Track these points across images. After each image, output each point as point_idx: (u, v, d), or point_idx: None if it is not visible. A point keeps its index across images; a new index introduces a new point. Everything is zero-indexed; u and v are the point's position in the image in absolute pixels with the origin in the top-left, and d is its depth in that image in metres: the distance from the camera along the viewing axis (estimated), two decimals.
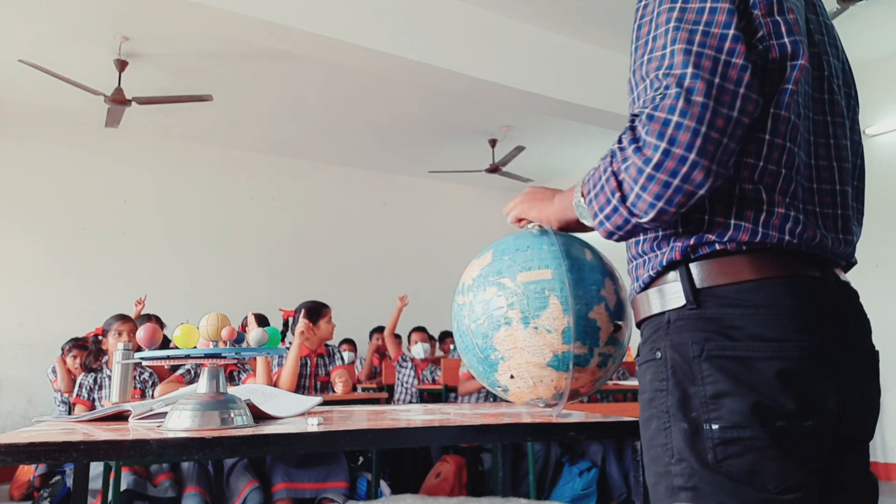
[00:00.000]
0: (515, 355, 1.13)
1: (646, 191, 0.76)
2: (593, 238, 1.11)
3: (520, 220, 1.16)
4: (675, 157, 0.74)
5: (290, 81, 5.12)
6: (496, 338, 1.14)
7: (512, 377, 1.15)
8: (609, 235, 0.84)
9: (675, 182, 0.74)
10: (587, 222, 0.89)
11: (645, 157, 0.75)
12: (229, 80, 5.03)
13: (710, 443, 0.76)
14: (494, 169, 6.27)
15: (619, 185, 0.79)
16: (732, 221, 0.80)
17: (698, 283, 0.81)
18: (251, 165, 6.74)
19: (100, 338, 3.14)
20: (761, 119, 0.79)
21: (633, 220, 0.79)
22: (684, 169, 0.74)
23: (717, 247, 0.80)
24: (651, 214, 0.77)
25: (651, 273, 0.86)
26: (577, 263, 1.15)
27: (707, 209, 0.81)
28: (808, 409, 0.76)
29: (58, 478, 3.48)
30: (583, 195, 0.87)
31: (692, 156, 0.73)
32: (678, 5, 0.79)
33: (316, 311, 3.26)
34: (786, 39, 0.80)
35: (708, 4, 0.78)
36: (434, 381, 4.90)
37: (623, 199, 0.79)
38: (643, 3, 0.85)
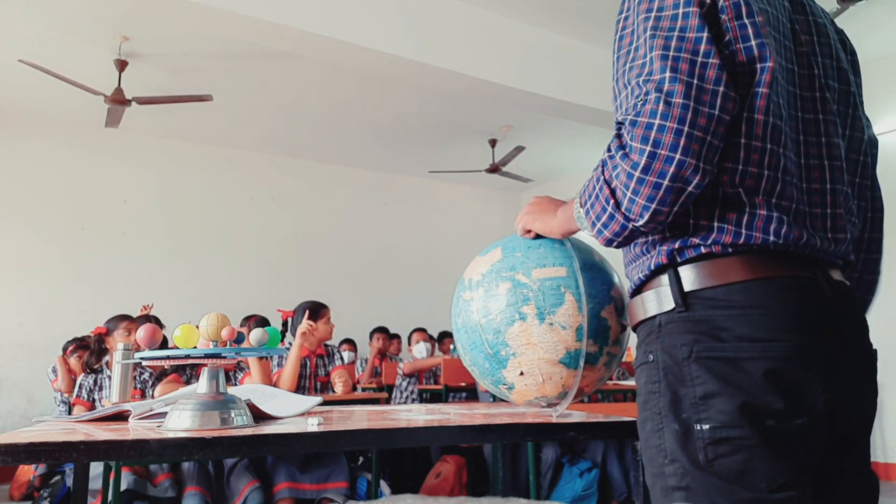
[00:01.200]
0: (528, 351, 1.13)
1: (638, 194, 0.77)
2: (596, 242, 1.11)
3: (528, 232, 1.17)
4: (662, 158, 0.75)
5: (290, 81, 5.12)
6: (509, 333, 1.14)
7: (522, 374, 1.15)
8: (608, 243, 0.85)
9: (665, 182, 0.76)
10: (587, 232, 0.91)
11: (632, 161, 0.77)
12: (229, 80, 5.03)
13: (701, 443, 0.77)
14: (494, 169, 6.27)
15: (612, 192, 0.80)
16: (716, 224, 0.81)
17: (687, 286, 0.82)
18: (251, 165, 6.74)
19: (103, 337, 3.14)
20: (735, 124, 0.80)
21: (630, 225, 0.80)
22: (671, 169, 0.75)
23: (703, 249, 0.81)
24: (646, 217, 0.78)
25: (641, 276, 0.88)
26: (589, 263, 1.17)
27: (691, 213, 0.82)
28: (797, 408, 0.76)
29: (58, 478, 3.48)
30: (581, 205, 0.88)
31: (678, 155, 0.75)
32: (653, 14, 0.81)
33: (314, 311, 3.26)
34: (752, 42, 0.81)
35: (680, 10, 0.80)
36: (435, 382, 4.90)
37: (617, 205, 0.80)
38: (623, 15, 0.88)
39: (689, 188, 0.76)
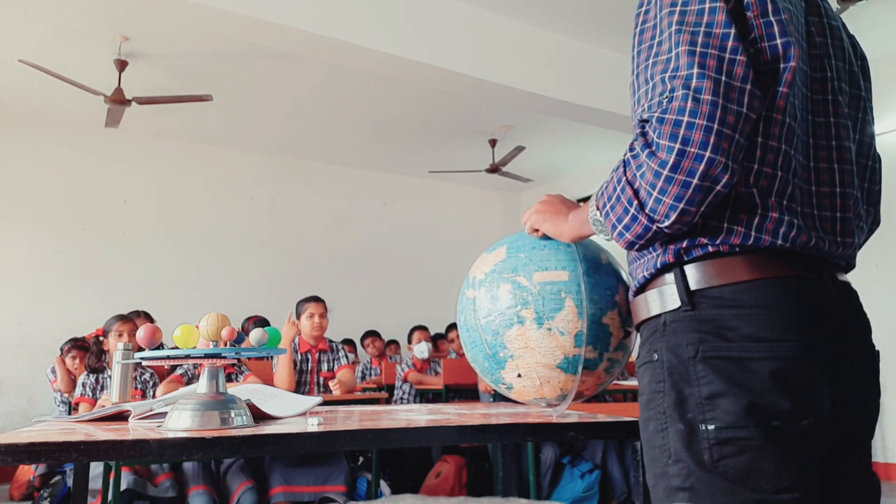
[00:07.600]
0: (525, 355, 1.12)
1: (665, 194, 0.76)
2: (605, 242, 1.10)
3: (535, 230, 1.14)
4: (691, 156, 0.73)
5: (290, 81, 5.12)
6: (507, 336, 1.13)
7: (519, 376, 1.15)
8: (630, 246, 0.84)
9: (695, 181, 0.74)
10: (605, 236, 0.89)
11: (660, 160, 0.75)
12: (229, 80, 5.03)
13: (706, 443, 0.76)
14: (494, 169, 6.27)
15: (636, 192, 0.78)
16: (725, 225, 0.80)
17: (693, 285, 0.81)
18: (251, 165, 6.74)
19: (101, 339, 3.14)
20: (755, 122, 0.79)
21: (654, 227, 0.79)
22: (702, 167, 0.74)
23: (710, 249, 0.80)
24: (673, 217, 0.77)
25: (646, 275, 0.87)
26: (594, 267, 1.14)
27: None
28: (803, 409, 0.76)
29: (58, 478, 3.47)
30: (598, 209, 0.86)
31: (708, 153, 0.73)
32: (678, 8, 0.79)
33: (297, 307, 3.35)
34: (778, 41, 0.80)
35: (707, 5, 0.78)
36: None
37: (641, 206, 0.78)
38: (644, 9, 0.86)
39: (718, 187, 0.75)
